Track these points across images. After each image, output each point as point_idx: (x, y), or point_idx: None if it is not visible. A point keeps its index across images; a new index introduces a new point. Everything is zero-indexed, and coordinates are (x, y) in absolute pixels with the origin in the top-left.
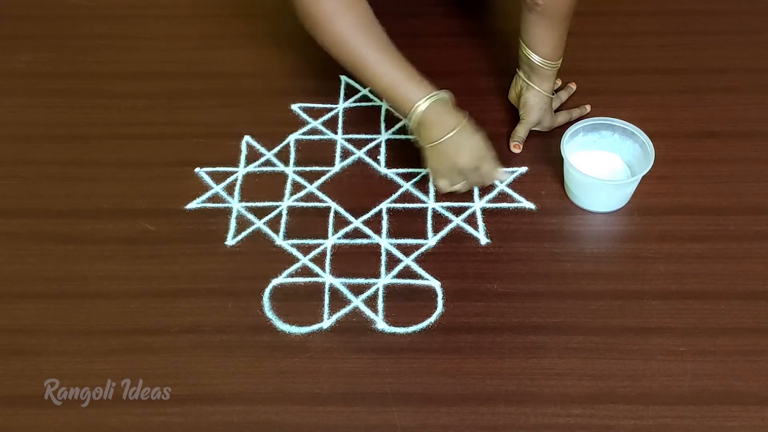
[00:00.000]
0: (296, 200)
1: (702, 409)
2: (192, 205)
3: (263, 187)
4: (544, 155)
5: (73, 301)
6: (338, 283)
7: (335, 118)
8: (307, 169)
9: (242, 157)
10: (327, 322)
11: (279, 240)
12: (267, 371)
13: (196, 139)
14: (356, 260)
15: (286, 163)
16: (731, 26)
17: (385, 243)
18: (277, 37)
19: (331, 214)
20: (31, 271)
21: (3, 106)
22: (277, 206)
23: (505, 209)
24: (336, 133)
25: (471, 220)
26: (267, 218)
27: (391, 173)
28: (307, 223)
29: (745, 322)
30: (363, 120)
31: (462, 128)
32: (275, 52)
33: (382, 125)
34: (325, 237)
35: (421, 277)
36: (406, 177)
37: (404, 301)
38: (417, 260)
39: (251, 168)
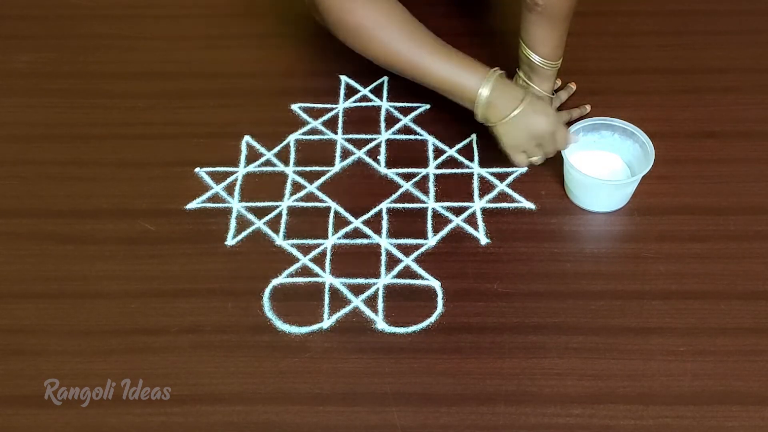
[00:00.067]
0: (296, 200)
1: (702, 409)
2: (192, 205)
3: (263, 187)
4: None
5: (73, 301)
6: (338, 283)
7: (335, 118)
8: (307, 169)
9: (242, 157)
10: (327, 322)
11: (279, 240)
12: (267, 371)
13: (196, 139)
14: (356, 260)
15: (286, 163)
16: (731, 26)
17: (385, 243)
18: (277, 37)
19: (331, 214)
20: (31, 271)
21: (3, 106)
22: (277, 206)
23: (505, 209)
24: (336, 133)
25: (471, 220)
26: (267, 218)
27: (391, 173)
28: (307, 223)
29: (745, 322)
30: (363, 120)
31: (529, 96)
32: (275, 52)
33: (382, 125)
34: (325, 237)
35: (421, 277)
36: (406, 177)
37: (404, 301)
38: (417, 260)
39: (251, 168)
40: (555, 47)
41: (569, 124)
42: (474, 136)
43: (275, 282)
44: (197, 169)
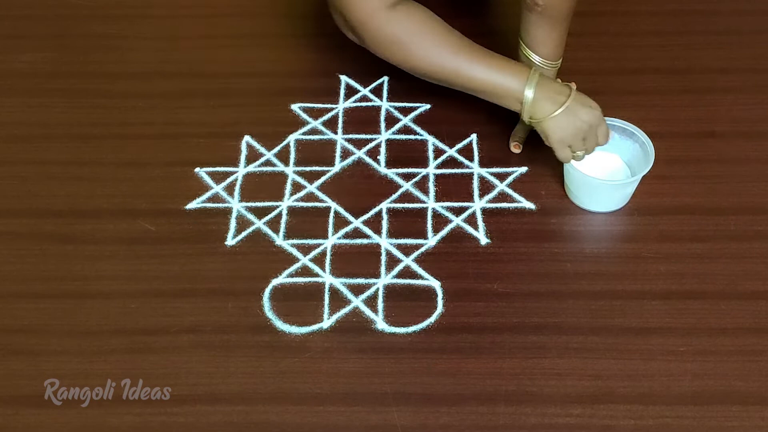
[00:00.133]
0: (296, 200)
1: (702, 409)
2: (192, 205)
3: (263, 187)
4: (544, 155)
5: (73, 301)
6: (338, 283)
7: (335, 118)
8: (307, 169)
9: (242, 157)
10: (327, 322)
11: (279, 240)
12: (267, 371)
13: (196, 139)
14: (356, 260)
15: (286, 163)
16: (731, 26)
17: (385, 243)
18: (277, 37)
19: (331, 214)
20: (31, 271)
21: (3, 106)
22: (277, 206)
23: (505, 209)
24: (336, 133)
25: (471, 220)
26: (267, 218)
27: (391, 173)
28: (307, 223)
29: (745, 322)
30: (363, 120)
31: (573, 91)
32: (275, 52)
33: (382, 125)
34: (325, 237)
35: (421, 277)
36: (406, 177)
37: (404, 301)
38: (417, 260)
39: (251, 168)
40: (555, 47)
41: None
42: (474, 136)
43: (275, 282)
44: (197, 169)
